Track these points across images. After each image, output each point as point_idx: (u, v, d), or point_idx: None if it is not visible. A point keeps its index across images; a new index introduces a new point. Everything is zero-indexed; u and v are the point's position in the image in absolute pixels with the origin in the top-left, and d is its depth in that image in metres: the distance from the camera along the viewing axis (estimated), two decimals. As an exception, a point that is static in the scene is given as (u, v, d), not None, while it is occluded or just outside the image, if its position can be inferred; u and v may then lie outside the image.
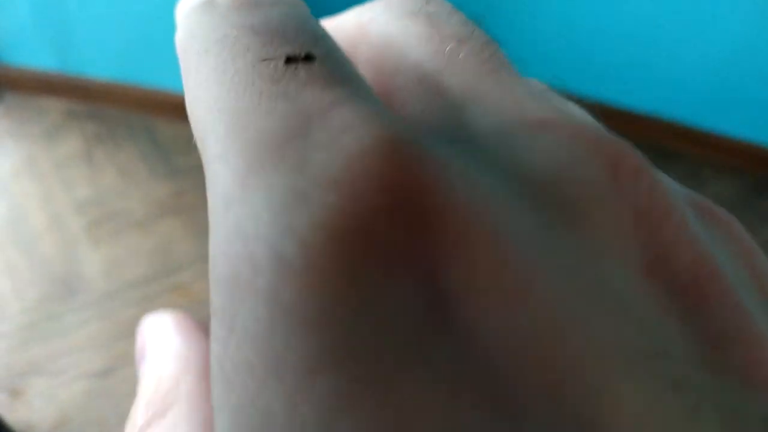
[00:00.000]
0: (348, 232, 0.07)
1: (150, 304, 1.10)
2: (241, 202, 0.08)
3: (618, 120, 1.58)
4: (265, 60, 0.09)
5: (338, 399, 0.06)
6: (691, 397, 0.07)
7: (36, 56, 1.39)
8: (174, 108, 1.43)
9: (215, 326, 0.07)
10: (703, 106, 1.52)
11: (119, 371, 1.01)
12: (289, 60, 0.09)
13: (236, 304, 0.07)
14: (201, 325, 0.14)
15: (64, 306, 1.09)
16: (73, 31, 1.33)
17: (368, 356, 0.07)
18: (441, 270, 0.07)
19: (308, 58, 0.09)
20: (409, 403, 0.06)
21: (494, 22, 1.56)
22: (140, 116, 1.44)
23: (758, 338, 0.08)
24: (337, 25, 0.12)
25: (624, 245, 0.08)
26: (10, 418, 0.94)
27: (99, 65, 1.39)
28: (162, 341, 0.13)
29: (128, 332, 1.06)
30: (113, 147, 1.38)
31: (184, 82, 0.10)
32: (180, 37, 0.11)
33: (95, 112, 1.44)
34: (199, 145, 0.09)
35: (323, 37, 0.10)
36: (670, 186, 0.09)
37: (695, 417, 0.07)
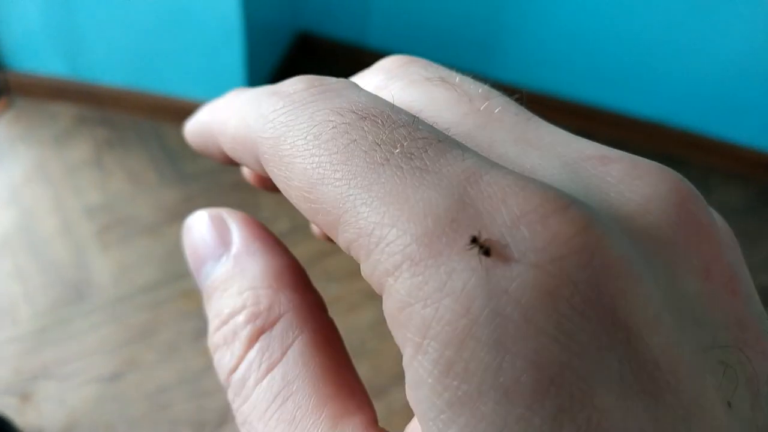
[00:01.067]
0: (553, 293, 0.09)
1: (160, 308, 1.11)
2: (435, 264, 0.09)
3: (626, 127, 1.58)
4: (382, 142, 0.10)
5: (561, 412, 0.08)
6: (734, 375, 0.09)
7: (46, 62, 1.40)
8: (183, 114, 1.43)
9: (425, 354, 0.09)
10: (710, 113, 1.52)
11: (129, 376, 1.02)
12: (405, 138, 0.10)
13: (455, 347, 0.09)
14: (265, 227, 0.14)
15: (74, 311, 1.09)
16: (83, 38, 1.34)
17: (579, 382, 0.08)
18: (622, 315, 0.09)
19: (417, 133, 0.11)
20: (608, 415, 0.08)
21: (502, 28, 1.57)
22: (150, 122, 1.45)
23: (756, 326, 0.10)
24: None
25: (693, 260, 0.10)
26: (20, 422, 0.94)
27: (109, 71, 1.40)
28: (239, 248, 0.14)
29: (138, 337, 1.07)
30: (123, 152, 1.38)
31: (287, 171, 0.11)
32: (271, 133, 0.12)
33: (105, 118, 1.45)
34: (319, 212, 0.11)
35: (411, 114, 0.11)
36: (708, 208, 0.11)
37: (733, 383, 0.09)
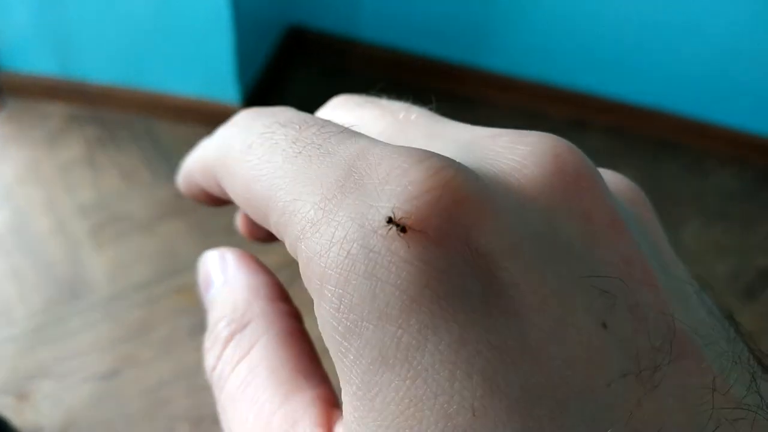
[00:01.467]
0: (411, 226, 0.10)
1: (155, 305, 1.11)
2: (327, 222, 0.11)
3: (620, 114, 1.58)
4: (298, 140, 0.13)
5: (425, 327, 0.10)
6: (611, 300, 0.11)
7: (37, 62, 1.40)
8: (175, 110, 1.43)
9: (324, 297, 0.11)
10: (704, 97, 1.51)
11: (125, 373, 1.02)
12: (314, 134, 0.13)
13: (342, 284, 0.10)
14: (253, 257, 0.18)
15: (69, 309, 1.09)
16: (73, 36, 1.34)
17: (442, 300, 0.10)
18: (476, 244, 0.11)
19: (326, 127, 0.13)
20: (470, 330, 0.10)
21: (493, 18, 1.56)
22: (141, 119, 1.45)
23: (644, 262, 0.12)
24: None
25: (573, 206, 0.12)
26: (18, 421, 0.94)
27: (99, 69, 1.39)
28: (229, 273, 0.17)
29: (134, 334, 1.07)
30: (115, 150, 1.38)
31: (232, 180, 0.14)
32: (219, 153, 0.15)
33: (97, 116, 1.44)
34: (257, 208, 0.13)
35: (324, 119, 0.14)
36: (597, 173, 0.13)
37: (609, 307, 0.11)
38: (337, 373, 0.11)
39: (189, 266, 1.18)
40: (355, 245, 0.11)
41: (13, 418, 0.93)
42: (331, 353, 0.11)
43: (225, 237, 1.23)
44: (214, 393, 0.15)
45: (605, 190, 0.12)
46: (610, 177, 0.14)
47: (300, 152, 0.12)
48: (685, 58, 1.45)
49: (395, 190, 0.11)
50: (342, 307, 0.10)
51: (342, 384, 0.11)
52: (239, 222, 0.20)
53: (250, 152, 0.13)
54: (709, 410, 0.10)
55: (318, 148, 0.12)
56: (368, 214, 0.11)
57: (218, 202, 0.18)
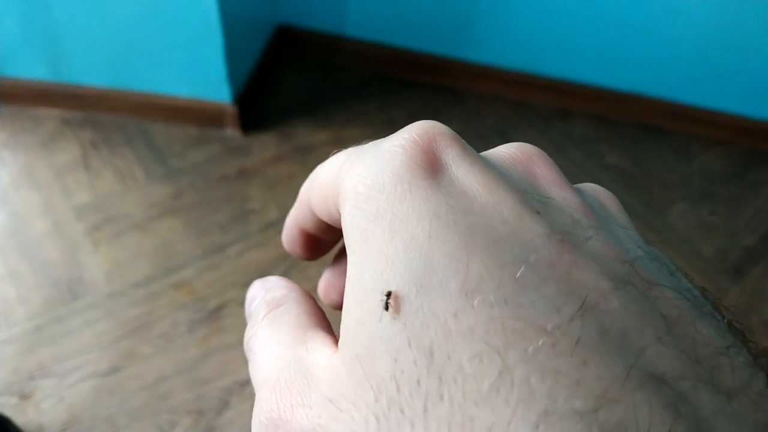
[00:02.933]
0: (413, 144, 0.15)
1: (153, 302, 1.12)
2: (350, 170, 0.16)
3: (606, 101, 1.60)
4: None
5: (406, 190, 0.14)
6: (548, 204, 0.15)
7: (28, 67, 1.40)
8: (167, 111, 1.44)
9: (359, 196, 0.15)
10: (687, 82, 1.53)
11: (126, 369, 1.03)
12: None
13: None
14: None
15: (68, 309, 1.10)
16: (63, 41, 1.34)
17: (411, 181, 0.14)
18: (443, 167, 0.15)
19: None
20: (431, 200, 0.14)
21: (477, 11, 1.58)
22: (135, 121, 1.46)
23: (582, 206, 0.15)
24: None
25: (527, 172, 0.16)
26: (21, 421, 0.95)
27: (91, 73, 1.40)
28: (270, 283, 0.21)
29: (133, 331, 1.08)
30: (109, 152, 1.39)
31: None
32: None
33: (90, 119, 1.46)
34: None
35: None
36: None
37: (544, 206, 0.15)
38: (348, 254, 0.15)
39: (186, 262, 1.19)
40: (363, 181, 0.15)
41: (16, 417, 0.94)
42: (352, 239, 0.15)
43: (220, 234, 1.24)
44: (248, 356, 0.18)
45: (558, 170, 0.16)
46: (588, 184, 0.18)
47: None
48: (668, 43, 1.47)
49: (404, 134, 0.16)
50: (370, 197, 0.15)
51: (348, 253, 0.15)
52: (320, 286, 0.24)
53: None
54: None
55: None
56: (387, 142, 0.16)
57: (320, 248, 0.22)
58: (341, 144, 0.28)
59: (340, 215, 0.16)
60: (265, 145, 1.44)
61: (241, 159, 1.40)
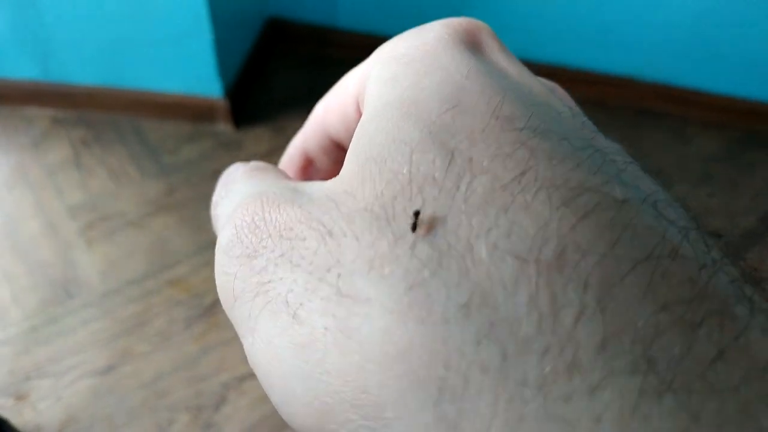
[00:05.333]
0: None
1: (149, 299, 1.11)
2: (385, 46, 0.16)
3: (599, 84, 1.59)
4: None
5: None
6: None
7: (18, 67, 1.40)
8: (159, 108, 1.43)
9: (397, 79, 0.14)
10: (682, 64, 1.52)
11: (122, 367, 1.02)
12: None
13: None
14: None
15: (63, 308, 1.10)
16: (52, 39, 1.33)
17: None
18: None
19: None
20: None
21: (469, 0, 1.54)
22: (126, 118, 1.45)
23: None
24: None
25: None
26: (18, 422, 0.94)
27: (81, 71, 1.39)
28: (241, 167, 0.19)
29: (129, 329, 1.07)
30: (101, 150, 1.38)
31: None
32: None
33: (81, 118, 1.45)
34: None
35: None
36: None
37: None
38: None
39: (181, 259, 1.18)
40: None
41: (13, 418, 0.93)
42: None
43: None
44: (216, 213, 0.17)
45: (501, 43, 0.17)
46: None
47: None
48: (662, 26, 1.46)
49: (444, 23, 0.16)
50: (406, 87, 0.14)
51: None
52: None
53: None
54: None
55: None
56: (429, 24, 0.16)
57: (312, 178, 0.21)
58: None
59: (357, 117, 0.16)
60: (257, 139, 1.43)
61: (234, 154, 1.39)
